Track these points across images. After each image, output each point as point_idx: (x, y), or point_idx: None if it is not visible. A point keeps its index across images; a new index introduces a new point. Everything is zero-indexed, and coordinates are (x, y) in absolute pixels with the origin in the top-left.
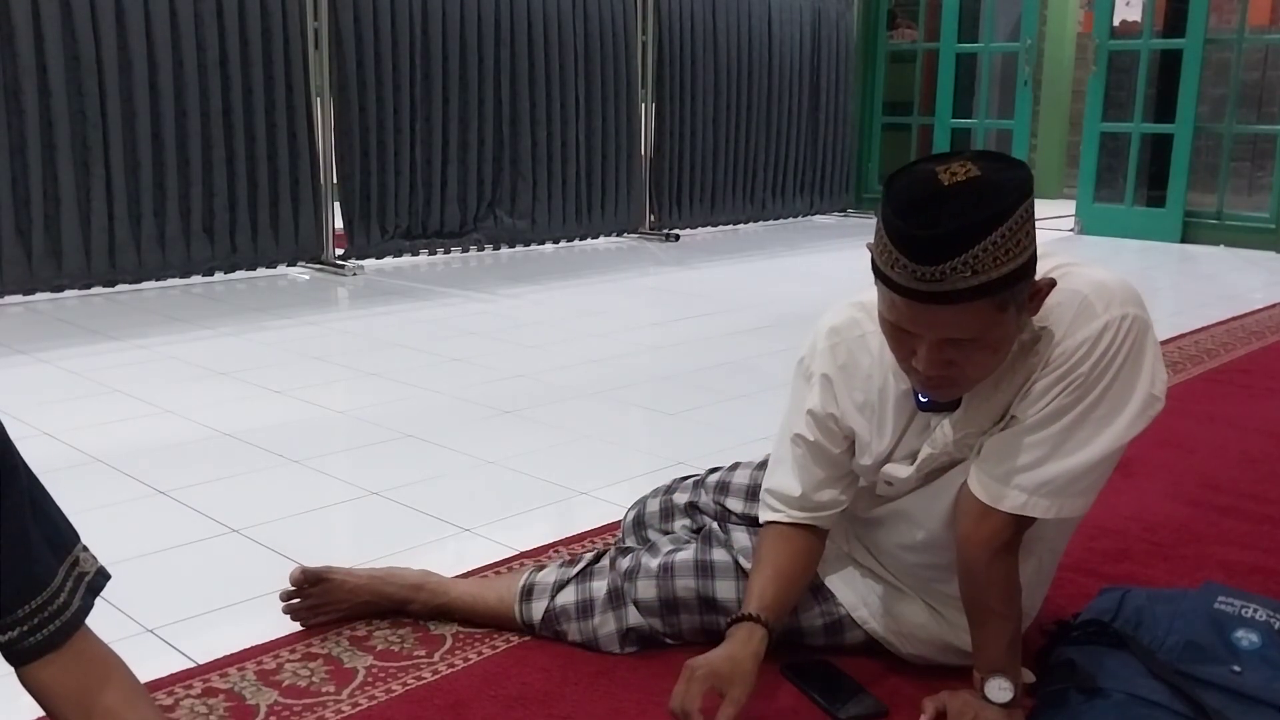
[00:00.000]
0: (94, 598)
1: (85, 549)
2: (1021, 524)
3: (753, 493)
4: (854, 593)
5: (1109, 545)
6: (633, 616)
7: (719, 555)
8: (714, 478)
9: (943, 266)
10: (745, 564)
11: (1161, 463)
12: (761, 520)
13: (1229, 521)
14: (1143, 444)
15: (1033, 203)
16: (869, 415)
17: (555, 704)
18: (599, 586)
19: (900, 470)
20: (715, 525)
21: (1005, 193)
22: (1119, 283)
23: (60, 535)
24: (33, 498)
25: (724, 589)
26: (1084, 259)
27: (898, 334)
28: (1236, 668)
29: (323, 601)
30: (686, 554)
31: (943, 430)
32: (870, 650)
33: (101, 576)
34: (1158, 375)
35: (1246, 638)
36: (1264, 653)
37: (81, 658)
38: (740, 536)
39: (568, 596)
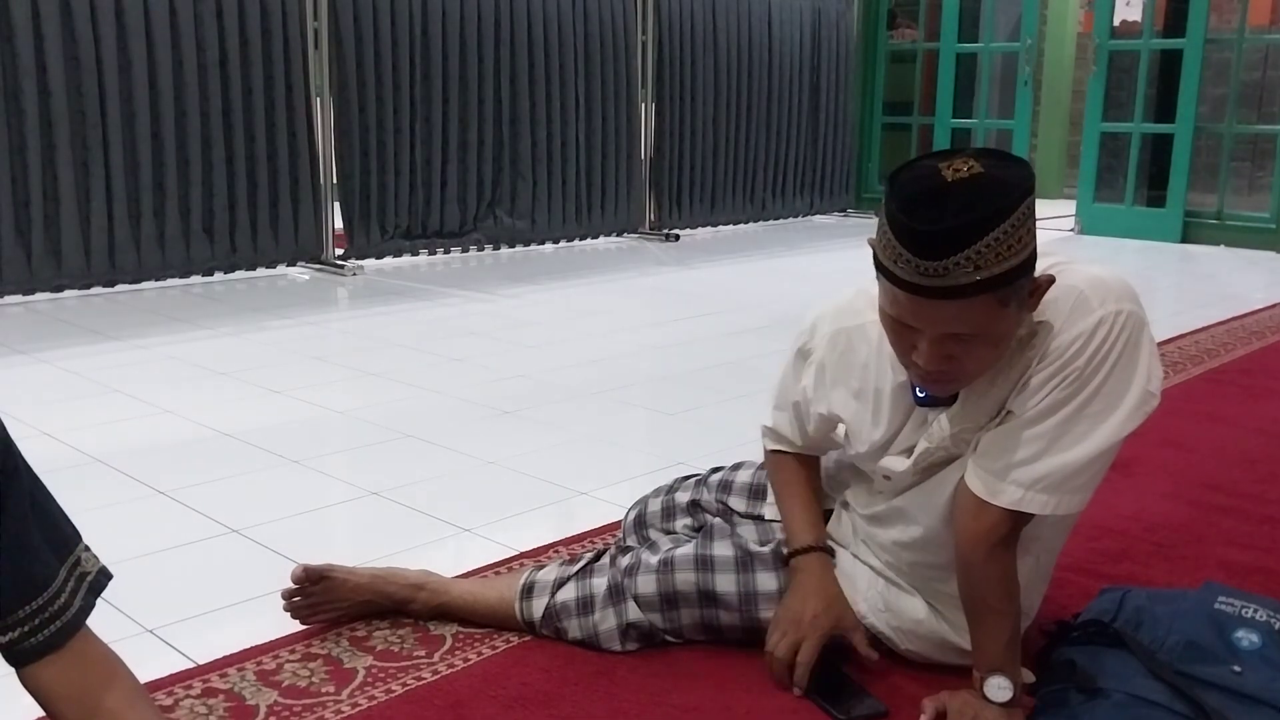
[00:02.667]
0: (95, 598)
1: (87, 549)
2: (1019, 520)
3: (756, 491)
4: (854, 588)
5: (1109, 545)
6: (632, 612)
7: (720, 550)
8: (717, 477)
9: (945, 262)
10: (754, 549)
11: (1162, 463)
12: (766, 448)
13: (1229, 521)
14: (1143, 444)
15: (1034, 200)
16: (864, 403)
17: (555, 704)
18: (599, 583)
19: (897, 464)
20: (719, 520)
21: (1008, 189)
22: (1115, 279)
23: (62, 535)
24: (34, 498)
25: (724, 582)
26: (1082, 257)
27: (898, 328)
28: (1237, 668)
29: (324, 600)
30: (687, 549)
31: (939, 425)
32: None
33: (103, 576)
34: (1153, 372)
35: (1247, 638)
36: (1264, 653)
37: (82, 658)
38: (747, 531)
39: (568, 593)
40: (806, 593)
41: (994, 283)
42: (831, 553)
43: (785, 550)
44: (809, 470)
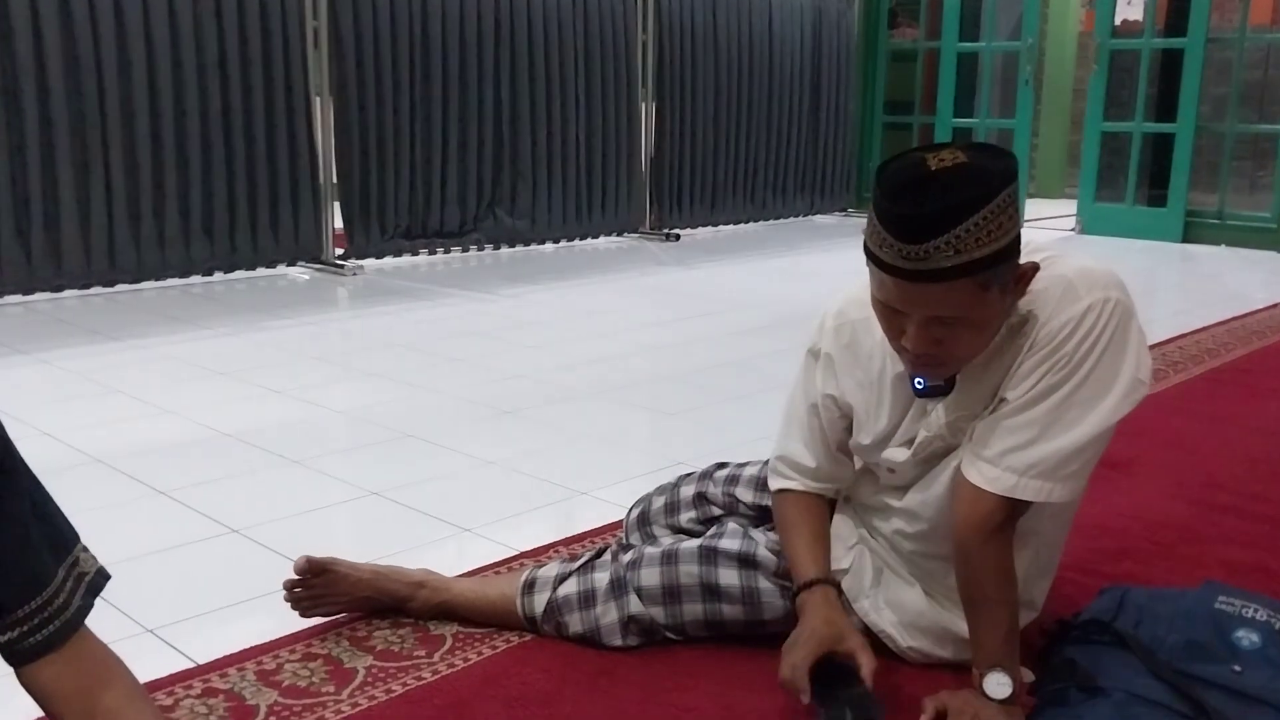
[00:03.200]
0: (94, 598)
1: (85, 549)
2: (1015, 507)
3: (763, 484)
4: (857, 584)
5: (1110, 544)
6: (634, 605)
7: (727, 544)
8: (723, 472)
9: (926, 245)
10: (760, 553)
11: (1163, 462)
12: (773, 487)
13: (1230, 521)
14: (1144, 443)
15: (1017, 189)
16: (868, 393)
17: (556, 704)
18: (601, 577)
19: (898, 455)
20: (733, 521)
21: (989, 177)
22: (1103, 269)
23: (60, 535)
24: (33, 498)
25: (726, 576)
26: (1072, 253)
27: (888, 313)
28: (1237, 667)
29: (325, 593)
30: (691, 542)
31: (936, 414)
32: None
33: (101, 576)
34: (1142, 359)
35: (1247, 637)
36: (1265, 652)
37: (81, 658)
38: (758, 535)
39: (570, 588)
40: (806, 622)
41: (974, 267)
42: (837, 585)
43: (792, 588)
44: (817, 510)
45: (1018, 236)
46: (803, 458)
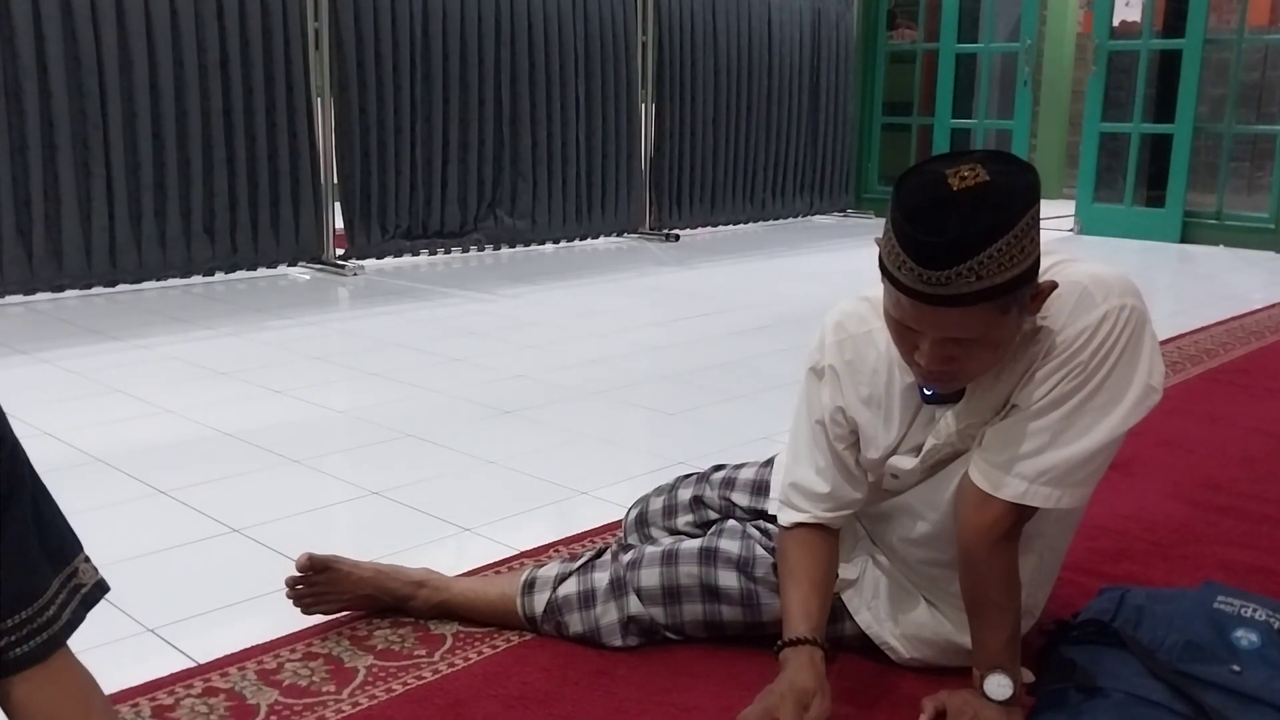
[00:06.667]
0: (86, 611)
1: (87, 559)
2: (1022, 513)
3: (759, 488)
4: (858, 595)
5: (1109, 545)
6: (634, 605)
7: (727, 544)
8: (720, 474)
9: (948, 272)
10: (759, 556)
11: (1161, 462)
12: (784, 522)
13: (1228, 521)
14: (1142, 443)
15: (1038, 208)
16: (875, 409)
17: (556, 703)
18: (601, 577)
19: (905, 462)
20: (733, 521)
21: (1012, 200)
22: (1117, 276)
23: (62, 545)
24: (37, 507)
25: (726, 578)
26: (1082, 256)
27: (902, 330)
28: (1236, 667)
29: (327, 590)
30: (691, 543)
31: (946, 421)
32: (867, 648)
33: (99, 589)
34: (1155, 366)
35: (1246, 637)
36: (1263, 652)
37: (61, 676)
38: (757, 534)
39: (570, 588)
40: (786, 678)
41: (995, 292)
42: (824, 647)
43: (778, 641)
44: (824, 551)
45: (1039, 257)
46: (815, 484)
